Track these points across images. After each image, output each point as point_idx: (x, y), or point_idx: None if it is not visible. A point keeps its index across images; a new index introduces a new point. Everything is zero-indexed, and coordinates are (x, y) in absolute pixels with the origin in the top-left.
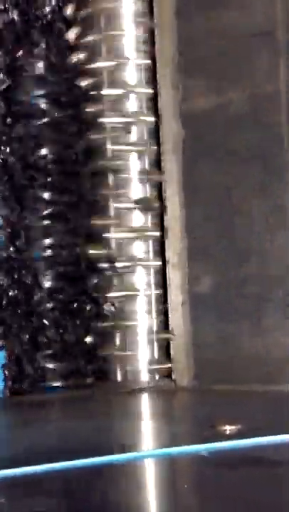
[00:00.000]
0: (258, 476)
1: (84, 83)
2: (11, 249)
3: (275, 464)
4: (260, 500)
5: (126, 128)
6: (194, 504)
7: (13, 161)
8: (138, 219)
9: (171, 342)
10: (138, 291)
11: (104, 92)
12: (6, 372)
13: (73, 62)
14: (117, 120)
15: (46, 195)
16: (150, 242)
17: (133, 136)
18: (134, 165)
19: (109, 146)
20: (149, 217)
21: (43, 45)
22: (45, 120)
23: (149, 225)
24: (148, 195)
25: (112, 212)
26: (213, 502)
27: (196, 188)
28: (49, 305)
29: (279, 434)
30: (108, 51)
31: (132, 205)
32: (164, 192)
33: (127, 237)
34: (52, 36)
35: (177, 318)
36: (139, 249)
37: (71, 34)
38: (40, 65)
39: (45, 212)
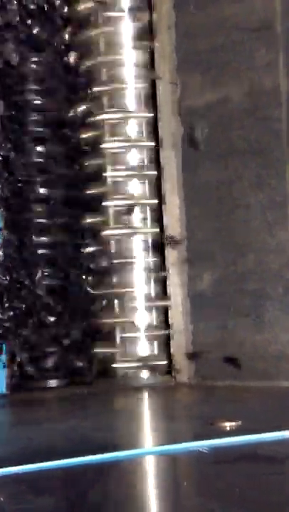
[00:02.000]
0: (259, 473)
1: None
2: None
3: (275, 461)
4: (260, 497)
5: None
6: (194, 501)
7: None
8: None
9: (171, 338)
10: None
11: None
12: (7, 370)
13: None
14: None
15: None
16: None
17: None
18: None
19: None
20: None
21: None
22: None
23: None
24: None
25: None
26: (213, 499)
27: (195, 183)
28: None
29: (279, 430)
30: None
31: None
32: (162, 188)
33: (125, 233)
34: None
35: (177, 314)
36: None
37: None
38: None
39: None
